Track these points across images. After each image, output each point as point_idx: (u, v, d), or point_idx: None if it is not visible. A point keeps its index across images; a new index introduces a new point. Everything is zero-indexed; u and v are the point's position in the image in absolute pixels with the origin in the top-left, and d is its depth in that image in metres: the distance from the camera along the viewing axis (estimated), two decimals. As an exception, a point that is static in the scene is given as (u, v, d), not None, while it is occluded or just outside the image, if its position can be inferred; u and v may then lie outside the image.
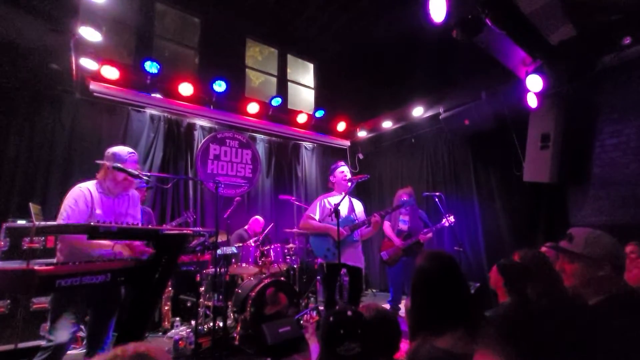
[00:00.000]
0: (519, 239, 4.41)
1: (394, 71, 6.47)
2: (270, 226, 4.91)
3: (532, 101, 3.86)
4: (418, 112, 5.60)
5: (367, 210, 3.44)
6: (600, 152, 4.02)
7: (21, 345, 3.02)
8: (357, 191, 6.66)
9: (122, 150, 2.18)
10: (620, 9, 3.40)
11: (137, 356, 0.61)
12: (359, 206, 3.24)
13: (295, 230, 4.73)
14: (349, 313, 1.35)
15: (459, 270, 1.34)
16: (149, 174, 2.77)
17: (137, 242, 2.15)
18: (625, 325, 1.13)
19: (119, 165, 2.07)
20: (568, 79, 3.88)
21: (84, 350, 2.20)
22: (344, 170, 3.17)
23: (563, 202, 4.25)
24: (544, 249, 1.94)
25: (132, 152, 2.22)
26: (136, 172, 2.11)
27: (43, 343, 1.88)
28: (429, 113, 5.53)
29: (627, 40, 3.50)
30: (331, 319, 1.34)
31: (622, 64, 3.75)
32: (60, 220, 1.96)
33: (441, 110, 5.13)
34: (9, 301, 3.05)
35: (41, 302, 3.13)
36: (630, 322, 1.15)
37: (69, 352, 3.09)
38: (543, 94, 3.86)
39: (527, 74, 3.68)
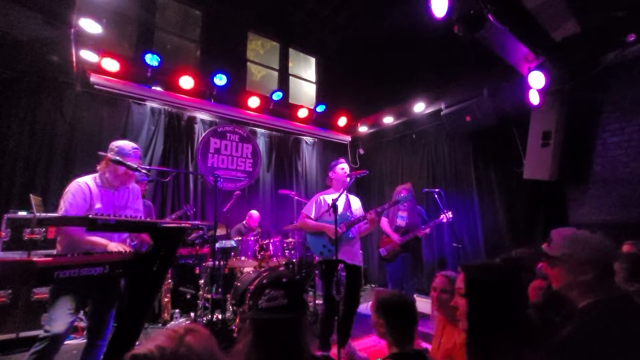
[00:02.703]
0: (518, 236, 4.41)
1: (396, 66, 6.42)
2: (265, 220, 4.91)
3: (534, 98, 3.83)
4: (419, 108, 5.57)
5: (366, 206, 3.44)
6: (602, 150, 4.01)
7: (22, 334, 3.08)
8: (358, 187, 6.67)
9: (126, 145, 2.20)
10: (625, 5, 3.35)
11: (190, 329, 0.72)
12: (356, 203, 3.24)
13: (290, 227, 4.74)
14: (282, 268, 1.30)
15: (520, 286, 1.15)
16: (148, 167, 2.78)
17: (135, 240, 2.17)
18: (613, 332, 1.07)
19: (118, 158, 2.08)
20: (571, 76, 3.84)
21: (84, 340, 2.22)
22: (344, 167, 3.17)
23: (563, 200, 4.24)
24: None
25: (137, 148, 2.24)
26: (135, 166, 2.12)
27: (41, 333, 1.91)
28: (430, 109, 5.51)
29: (632, 38, 3.45)
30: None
31: (626, 61, 3.71)
32: (58, 214, 1.97)
33: (442, 106, 5.11)
34: (10, 291, 3.10)
35: (42, 292, 3.17)
36: (620, 328, 1.08)
37: (69, 341, 3.16)
38: (545, 90, 3.83)
39: (530, 70, 3.65)
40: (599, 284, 1.15)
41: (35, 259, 1.49)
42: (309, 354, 1.11)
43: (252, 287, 3.49)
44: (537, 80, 3.60)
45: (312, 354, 1.15)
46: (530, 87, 3.74)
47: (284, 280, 1.12)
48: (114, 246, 2.00)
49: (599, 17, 3.58)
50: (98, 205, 2.09)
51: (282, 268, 4.18)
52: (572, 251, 1.19)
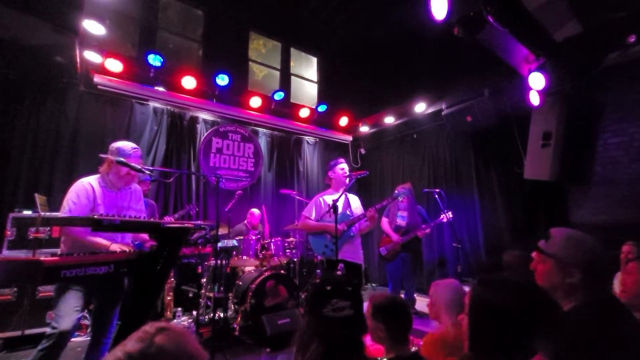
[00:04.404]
0: (518, 236, 4.43)
1: (397, 67, 6.44)
2: (267, 216, 4.95)
3: (534, 99, 3.84)
4: (420, 108, 5.59)
5: (366, 206, 3.46)
6: (603, 150, 4.01)
7: (27, 332, 3.13)
8: (358, 187, 6.69)
9: (126, 145, 2.22)
10: (626, 6, 3.36)
11: (161, 328, 0.69)
12: (355, 202, 3.27)
13: (292, 226, 4.77)
14: (339, 273, 1.27)
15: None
16: (151, 168, 2.81)
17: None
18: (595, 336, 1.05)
19: (122, 159, 2.10)
20: (571, 77, 3.85)
21: (88, 338, 2.26)
22: (344, 167, 3.17)
23: (563, 200, 4.25)
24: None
25: (136, 148, 2.26)
26: (139, 167, 2.15)
27: (48, 330, 1.94)
28: (432, 109, 5.52)
29: (632, 39, 3.47)
30: (318, 280, 1.24)
31: (626, 62, 3.72)
32: (62, 214, 2.01)
33: (443, 106, 5.12)
34: (15, 289, 3.14)
35: (47, 290, 3.21)
36: (602, 333, 1.06)
37: (73, 339, 3.19)
38: (546, 91, 3.84)
39: (530, 71, 3.66)
40: (584, 287, 1.14)
41: (42, 258, 1.53)
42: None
43: (253, 285, 3.53)
44: (537, 81, 3.62)
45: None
46: (530, 88, 3.76)
47: (350, 289, 1.10)
48: (117, 247, 2.03)
49: (600, 18, 3.58)
50: (101, 205, 2.12)
51: (283, 271, 4.20)
52: (566, 251, 1.18)
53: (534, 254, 1.28)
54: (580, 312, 1.12)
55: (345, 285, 1.11)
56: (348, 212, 3.09)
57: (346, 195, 3.17)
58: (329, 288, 1.10)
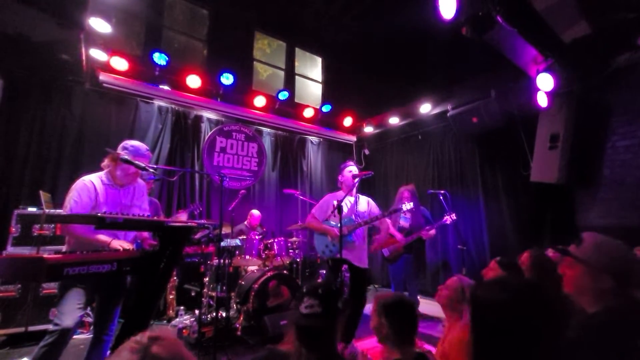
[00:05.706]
0: (524, 239, 4.38)
1: (402, 67, 6.40)
2: (269, 219, 4.93)
3: (542, 100, 3.80)
4: (425, 108, 5.55)
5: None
6: (611, 153, 3.95)
7: (31, 328, 3.14)
8: (362, 187, 6.65)
9: (141, 145, 2.27)
10: (636, 7, 3.31)
11: (153, 338, 0.69)
12: (363, 205, 3.27)
13: (295, 226, 4.76)
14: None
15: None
16: (155, 166, 2.82)
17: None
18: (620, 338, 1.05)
19: (126, 157, 2.10)
20: (580, 79, 3.80)
21: (91, 335, 2.26)
22: (351, 169, 3.23)
23: (570, 203, 4.20)
24: (550, 252, 1.92)
25: (148, 149, 2.33)
26: (143, 165, 2.14)
27: (50, 327, 1.94)
28: (437, 110, 5.48)
29: (643, 40, 3.41)
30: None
31: (636, 64, 3.66)
32: (64, 213, 2.01)
33: (449, 107, 5.08)
34: (19, 286, 3.15)
35: (51, 287, 3.22)
36: (627, 336, 1.06)
37: (76, 336, 3.20)
38: (554, 93, 3.80)
39: (538, 72, 3.61)
40: (613, 292, 1.14)
41: (45, 255, 1.52)
42: (335, 352, 1.30)
43: (256, 285, 3.52)
44: (545, 82, 3.57)
45: (338, 353, 1.33)
46: (538, 89, 3.71)
47: (320, 291, 1.30)
48: (117, 244, 2.03)
49: (609, 19, 3.53)
50: (103, 204, 2.12)
51: (285, 271, 4.18)
52: (597, 257, 1.17)
53: (550, 253, 1.27)
54: (607, 315, 1.12)
55: (318, 288, 1.32)
56: (353, 217, 3.09)
57: (356, 197, 3.20)
58: (304, 289, 1.32)
